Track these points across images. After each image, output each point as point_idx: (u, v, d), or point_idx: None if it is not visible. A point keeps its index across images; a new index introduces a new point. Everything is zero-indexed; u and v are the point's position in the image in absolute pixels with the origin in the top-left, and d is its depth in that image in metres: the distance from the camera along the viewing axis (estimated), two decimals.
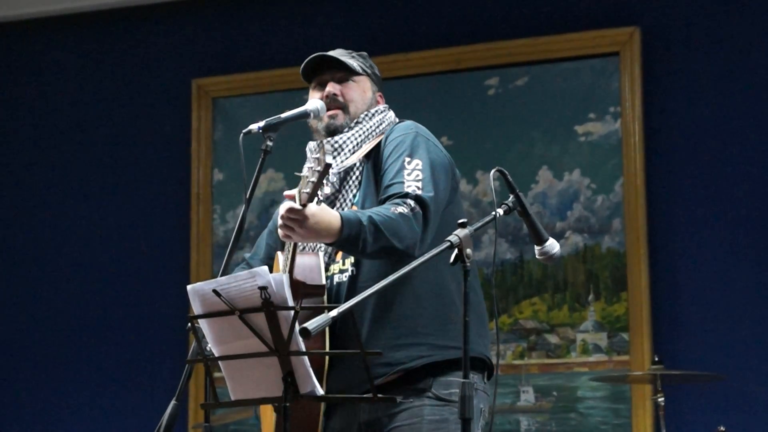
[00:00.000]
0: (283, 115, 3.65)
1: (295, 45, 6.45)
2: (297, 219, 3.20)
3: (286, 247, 3.50)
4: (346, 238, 3.26)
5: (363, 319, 3.46)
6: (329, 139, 3.57)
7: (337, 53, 3.70)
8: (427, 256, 3.10)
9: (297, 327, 3.01)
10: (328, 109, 3.64)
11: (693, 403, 5.55)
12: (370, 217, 3.28)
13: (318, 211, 3.21)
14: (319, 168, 3.12)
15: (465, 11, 6.23)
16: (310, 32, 6.45)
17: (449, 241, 3.06)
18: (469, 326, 3.05)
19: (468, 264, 3.05)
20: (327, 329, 3.37)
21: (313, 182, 3.14)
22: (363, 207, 3.49)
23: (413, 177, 3.43)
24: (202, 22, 6.68)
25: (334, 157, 3.57)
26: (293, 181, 6.53)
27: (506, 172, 3.27)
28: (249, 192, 3.56)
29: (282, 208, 3.23)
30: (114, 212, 6.65)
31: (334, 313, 2.92)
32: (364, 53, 3.77)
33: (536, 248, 3.37)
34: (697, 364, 5.45)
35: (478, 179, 6.01)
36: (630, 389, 5.65)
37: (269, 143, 3.59)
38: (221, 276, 3.25)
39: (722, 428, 4.95)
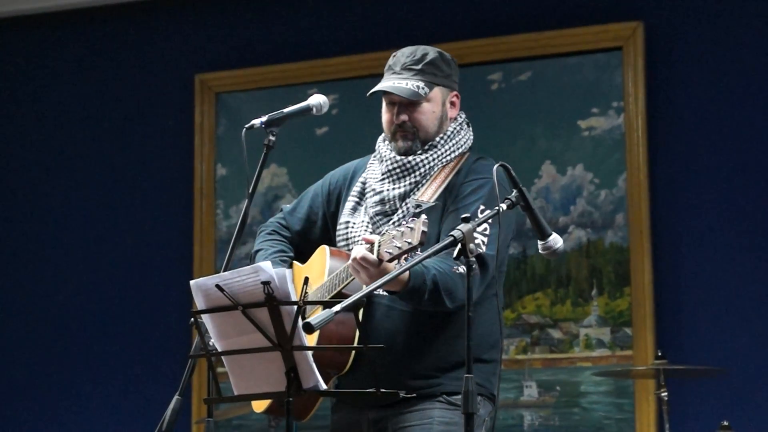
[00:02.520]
0: (286, 110, 3.66)
1: (298, 40, 6.44)
2: (368, 269, 3.27)
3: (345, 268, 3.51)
4: (409, 291, 3.34)
5: (396, 342, 3.49)
6: (414, 201, 3.55)
7: (404, 63, 3.63)
8: (430, 250, 3.12)
9: (300, 322, 3.02)
10: (397, 132, 3.63)
11: (696, 397, 5.54)
12: (434, 276, 3.36)
13: (393, 267, 3.27)
14: (411, 241, 3.14)
15: (467, 6, 6.22)
16: (313, 27, 6.44)
17: (452, 235, 3.08)
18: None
19: (472, 258, 3.07)
20: (357, 334, 3.44)
21: (399, 249, 3.17)
22: None
23: (481, 230, 3.45)
24: (205, 17, 6.68)
25: (405, 177, 3.60)
26: (296, 177, 6.51)
27: (509, 167, 3.27)
28: (252, 187, 3.57)
29: (357, 252, 3.28)
30: (117, 207, 6.65)
31: (337, 308, 2.93)
32: (434, 53, 3.66)
33: (539, 243, 3.37)
34: (701, 359, 5.45)
35: None
36: (633, 384, 5.65)
37: (272, 138, 3.60)
38: (224, 271, 3.26)
39: (725, 423, 4.95)
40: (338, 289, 3.48)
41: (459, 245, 3.07)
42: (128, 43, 6.79)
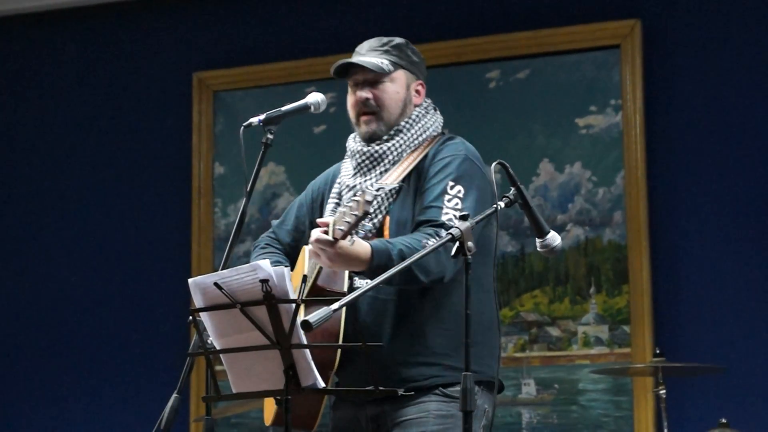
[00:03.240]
0: (284, 109, 3.66)
1: (296, 38, 6.44)
2: (325, 250, 3.26)
3: None
4: (374, 269, 3.30)
5: (383, 333, 3.49)
6: (372, 186, 3.54)
7: (370, 45, 3.68)
8: (429, 249, 3.12)
9: (298, 320, 3.02)
10: (361, 114, 3.64)
11: (694, 395, 5.55)
12: (399, 251, 3.33)
13: (347, 245, 3.26)
14: (357, 213, 3.15)
15: (465, 4, 6.22)
16: (310, 26, 6.45)
17: (451, 233, 3.07)
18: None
19: (469, 256, 3.07)
20: (342, 330, 3.42)
21: (348, 223, 3.18)
22: (397, 225, 3.51)
23: (452, 205, 3.44)
24: (203, 16, 6.68)
25: (374, 167, 3.59)
26: (294, 175, 6.50)
27: (507, 165, 3.27)
28: (250, 185, 3.58)
29: (312, 236, 3.29)
30: (115, 206, 6.65)
31: (335, 306, 2.93)
32: (401, 40, 3.71)
33: (537, 241, 3.37)
34: (699, 357, 5.45)
35: None
36: (631, 382, 5.65)
37: (270, 136, 3.60)
38: (222, 269, 3.26)
39: (723, 420, 4.96)
40: (310, 282, 3.48)
41: (457, 243, 3.07)
42: (126, 41, 6.79)
